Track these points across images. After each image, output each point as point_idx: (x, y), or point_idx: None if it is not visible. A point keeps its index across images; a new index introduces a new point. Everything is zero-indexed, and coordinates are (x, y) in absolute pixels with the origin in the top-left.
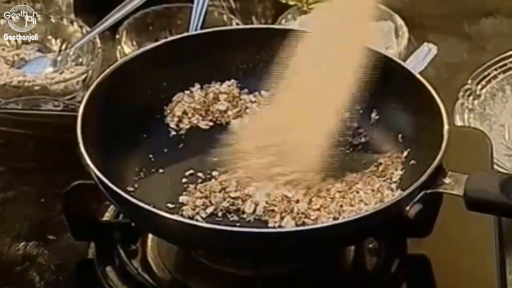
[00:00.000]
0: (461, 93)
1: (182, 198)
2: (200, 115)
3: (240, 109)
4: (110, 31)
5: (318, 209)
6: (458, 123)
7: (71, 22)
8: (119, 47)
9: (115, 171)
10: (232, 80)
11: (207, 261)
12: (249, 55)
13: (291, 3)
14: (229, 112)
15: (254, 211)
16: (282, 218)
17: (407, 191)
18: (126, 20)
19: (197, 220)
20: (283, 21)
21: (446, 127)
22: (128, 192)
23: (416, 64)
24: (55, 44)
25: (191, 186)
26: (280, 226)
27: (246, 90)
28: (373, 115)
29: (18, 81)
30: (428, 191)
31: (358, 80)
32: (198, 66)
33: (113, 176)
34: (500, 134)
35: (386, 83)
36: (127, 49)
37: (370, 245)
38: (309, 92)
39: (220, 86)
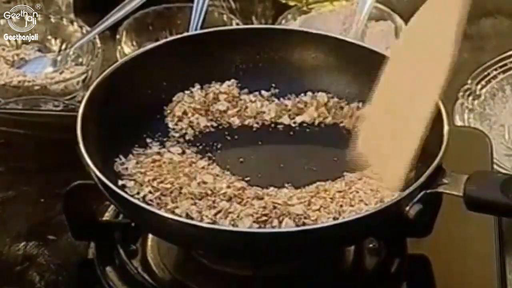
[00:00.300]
0: (461, 93)
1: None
2: (200, 115)
3: (240, 109)
4: (110, 31)
5: (318, 210)
6: (458, 123)
7: (71, 22)
8: (119, 47)
9: (115, 171)
10: (232, 80)
11: (207, 261)
12: (249, 55)
13: (291, 3)
14: (229, 112)
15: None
16: (280, 222)
17: (407, 191)
18: (126, 20)
19: (198, 220)
20: (283, 21)
21: (446, 127)
22: (128, 192)
23: None
24: (55, 44)
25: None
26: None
27: (246, 90)
28: None
29: (18, 81)
30: (428, 191)
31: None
32: (198, 66)
33: (113, 176)
34: (500, 134)
35: None
36: (127, 49)
37: (370, 245)
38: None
39: (220, 86)
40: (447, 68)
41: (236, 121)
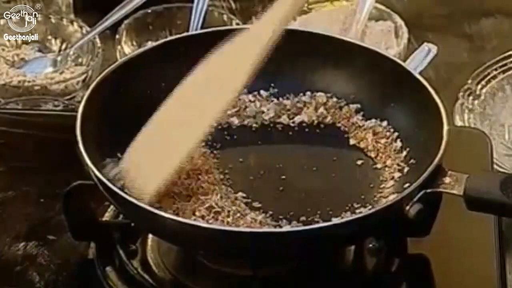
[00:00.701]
0: (461, 93)
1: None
2: None
3: (239, 109)
4: (110, 31)
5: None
6: (458, 123)
7: (71, 22)
8: (119, 47)
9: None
10: None
11: (207, 261)
12: None
13: None
14: (228, 112)
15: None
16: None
17: (407, 191)
18: (126, 20)
19: (197, 221)
20: None
21: (446, 127)
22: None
23: (416, 64)
24: (55, 44)
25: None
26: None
27: (245, 90)
28: None
29: (18, 81)
30: (428, 190)
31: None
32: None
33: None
34: (500, 134)
35: (385, 83)
36: (127, 49)
37: (370, 245)
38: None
39: None
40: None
41: (235, 121)
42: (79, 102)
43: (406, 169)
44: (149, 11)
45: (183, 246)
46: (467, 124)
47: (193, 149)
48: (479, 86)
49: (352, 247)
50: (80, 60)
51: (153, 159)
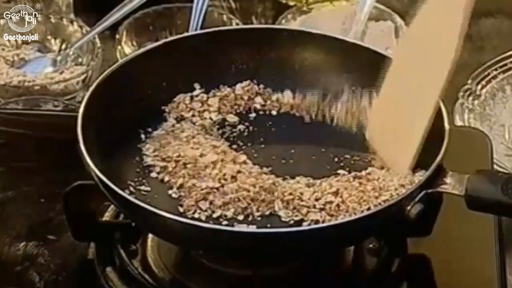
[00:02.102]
0: (461, 93)
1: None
2: (200, 115)
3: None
4: (110, 31)
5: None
6: (458, 123)
7: (71, 22)
8: (119, 47)
9: (115, 171)
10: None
11: (207, 261)
12: (249, 55)
13: (291, 3)
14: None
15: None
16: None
17: (408, 191)
18: (126, 20)
19: (199, 220)
20: (283, 21)
21: (446, 127)
22: (128, 191)
23: None
24: (55, 44)
25: None
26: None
27: (242, 91)
28: None
29: (18, 81)
30: (429, 190)
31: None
32: (198, 66)
33: (113, 176)
34: (500, 134)
35: None
36: (127, 49)
37: (370, 245)
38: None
39: (221, 88)
40: (450, 62)
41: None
42: (79, 102)
43: None
44: (149, 11)
45: (183, 246)
46: (467, 124)
47: (429, 119)
48: (479, 86)
49: (352, 247)
50: (80, 60)
51: (398, 129)
